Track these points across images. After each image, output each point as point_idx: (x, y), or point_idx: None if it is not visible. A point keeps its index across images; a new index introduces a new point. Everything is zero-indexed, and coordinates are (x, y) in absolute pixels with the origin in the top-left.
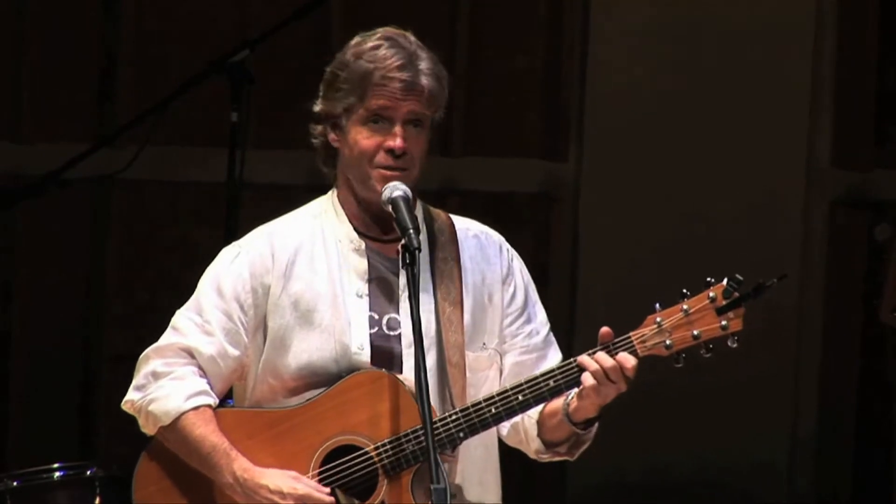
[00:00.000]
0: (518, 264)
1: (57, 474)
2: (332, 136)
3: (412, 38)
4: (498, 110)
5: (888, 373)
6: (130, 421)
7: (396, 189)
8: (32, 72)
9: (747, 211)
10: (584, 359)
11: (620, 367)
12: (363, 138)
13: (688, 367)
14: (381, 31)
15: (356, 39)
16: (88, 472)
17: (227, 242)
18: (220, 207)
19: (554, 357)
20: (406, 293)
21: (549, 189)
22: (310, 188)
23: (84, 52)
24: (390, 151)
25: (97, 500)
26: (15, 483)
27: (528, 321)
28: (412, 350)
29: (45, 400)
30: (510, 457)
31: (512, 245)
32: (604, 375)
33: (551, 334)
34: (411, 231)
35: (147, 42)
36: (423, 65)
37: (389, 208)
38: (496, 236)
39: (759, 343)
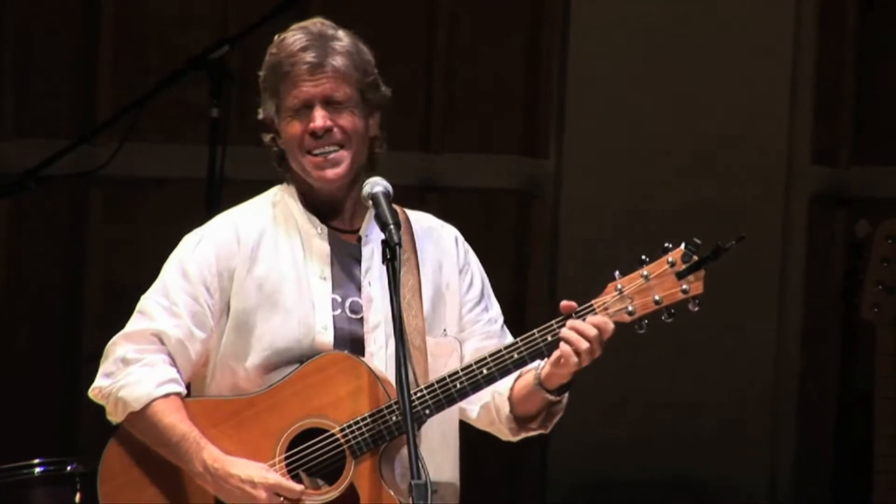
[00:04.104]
0: (473, 257)
1: (37, 470)
2: (279, 141)
3: (326, 22)
4: (478, 107)
5: (868, 369)
6: None
7: (377, 185)
8: (11, 68)
9: (728, 207)
10: (563, 332)
11: (598, 330)
12: (291, 128)
13: (666, 362)
14: (299, 24)
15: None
16: (69, 468)
17: None
18: (200, 204)
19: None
20: (368, 277)
21: (529, 186)
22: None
23: (63, 48)
24: (312, 134)
25: (77, 497)
26: None
27: (486, 309)
28: (375, 334)
29: (25, 396)
30: (490, 457)
31: (492, 242)
32: (582, 341)
33: (506, 327)
34: (391, 226)
35: (127, 38)
36: (332, 43)
37: (370, 203)
38: (451, 229)
39: (740, 339)
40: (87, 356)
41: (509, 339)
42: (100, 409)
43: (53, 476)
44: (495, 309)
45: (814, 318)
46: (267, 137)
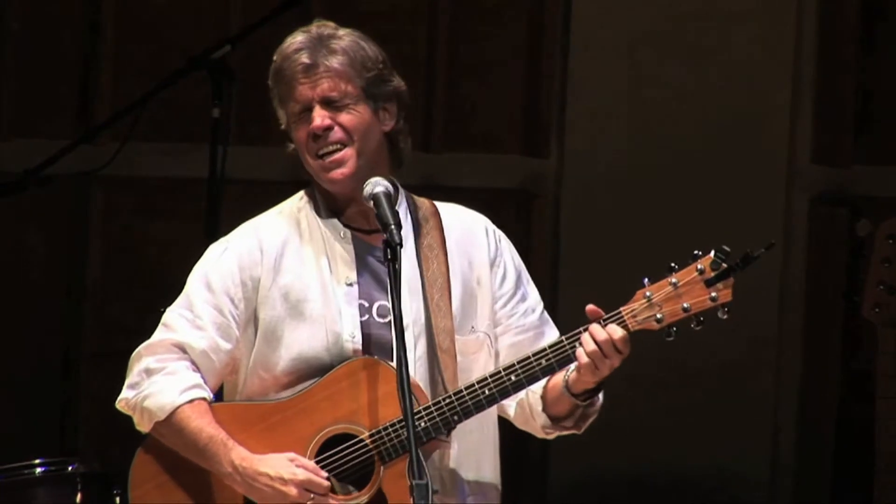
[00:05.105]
0: (506, 245)
1: (38, 470)
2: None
3: (329, 24)
4: (479, 106)
5: (869, 368)
6: (111, 417)
7: (378, 185)
8: (12, 68)
9: (728, 207)
10: (582, 336)
11: (611, 341)
12: (297, 135)
13: (665, 363)
14: (302, 27)
15: None
16: (70, 468)
17: (209, 239)
18: (201, 204)
19: (551, 335)
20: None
21: (529, 185)
22: (292, 184)
23: (64, 48)
24: (312, 135)
25: (78, 497)
26: None
27: (522, 300)
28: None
29: (26, 396)
30: None
31: None
32: (598, 350)
33: (545, 312)
34: (392, 227)
35: (128, 38)
36: (329, 42)
37: (371, 204)
38: (482, 219)
39: (739, 339)
40: (87, 356)
41: (549, 327)
42: (99, 410)
43: (54, 476)
44: (533, 297)
45: (814, 318)
46: (290, 147)
